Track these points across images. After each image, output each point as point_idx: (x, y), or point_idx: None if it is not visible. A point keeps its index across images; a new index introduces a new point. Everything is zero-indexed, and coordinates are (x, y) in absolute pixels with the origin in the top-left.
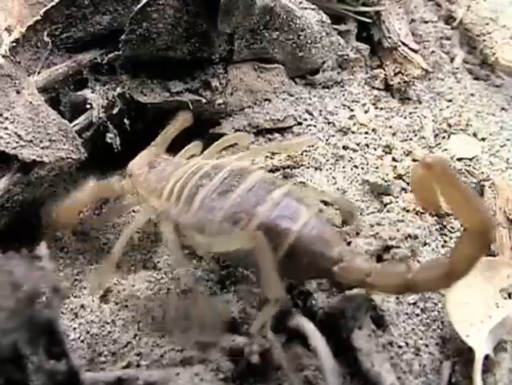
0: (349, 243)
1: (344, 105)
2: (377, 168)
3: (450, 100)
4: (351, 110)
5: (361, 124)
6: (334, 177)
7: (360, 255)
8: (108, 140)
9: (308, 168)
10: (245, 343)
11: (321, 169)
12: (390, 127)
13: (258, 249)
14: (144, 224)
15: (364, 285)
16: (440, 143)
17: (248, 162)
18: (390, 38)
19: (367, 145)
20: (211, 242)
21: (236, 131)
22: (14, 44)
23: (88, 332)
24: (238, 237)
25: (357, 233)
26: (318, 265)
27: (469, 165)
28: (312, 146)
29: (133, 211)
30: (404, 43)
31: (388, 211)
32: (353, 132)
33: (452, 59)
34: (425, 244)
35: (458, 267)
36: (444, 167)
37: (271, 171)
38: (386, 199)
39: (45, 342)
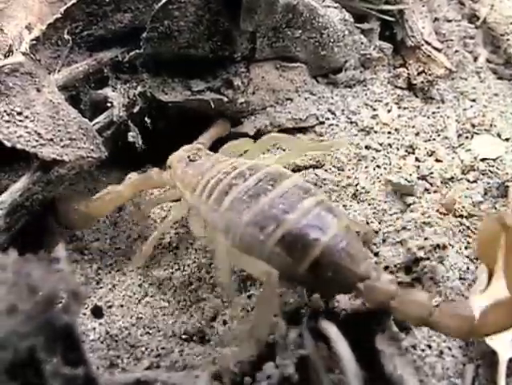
0: (376, 253)
1: (367, 104)
2: (400, 168)
3: (474, 100)
4: (374, 109)
5: (384, 124)
6: (356, 177)
7: (387, 275)
8: (130, 139)
9: (331, 168)
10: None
11: (343, 169)
12: (413, 126)
13: (265, 287)
14: (179, 218)
15: (387, 307)
16: (463, 144)
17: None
18: (413, 36)
19: (389, 145)
20: (231, 252)
21: (258, 130)
22: (35, 42)
23: (108, 333)
24: (255, 264)
25: (383, 240)
26: (344, 280)
27: (493, 166)
28: None
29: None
30: (427, 42)
31: (411, 211)
32: (376, 132)
33: (475, 58)
34: (449, 245)
35: (485, 329)
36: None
37: (294, 171)
38: (409, 199)
39: (62, 347)
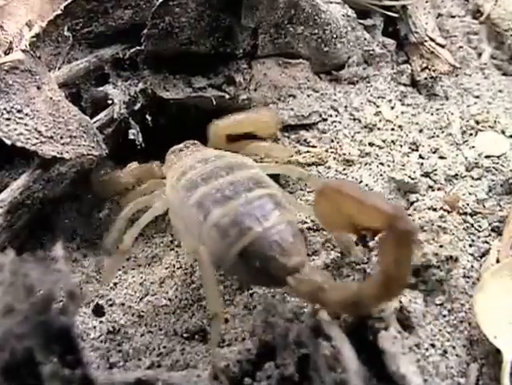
0: None
1: (370, 101)
2: (403, 165)
3: (478, 96)
4: (377, 106)
5: (387, 121)
6: (359, 174)
7: (318, 270)
8: (131, 137)
9: (333, 165)
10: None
11: (346, 166)
12: (416, 123)
13: (200, 264)
14: (162, 210)
15: (316, 301)
16: (467, 141)
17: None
18: (417, 32)
19: (393, 142)
20: (176, 230)
21: None
22: (35, 39)
23: (109, 331)
24: (188, 244)
25: None
26: (271, 271)
27: (497, 163)
28: (338, 142)
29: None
30: (430, 38)
31: (414, 209)
32: (379, 129)
33: (479, 55)
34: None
35: (390, 279)
36: (331, 187)
37: None
38: (412, 197)
39: (60, 348)
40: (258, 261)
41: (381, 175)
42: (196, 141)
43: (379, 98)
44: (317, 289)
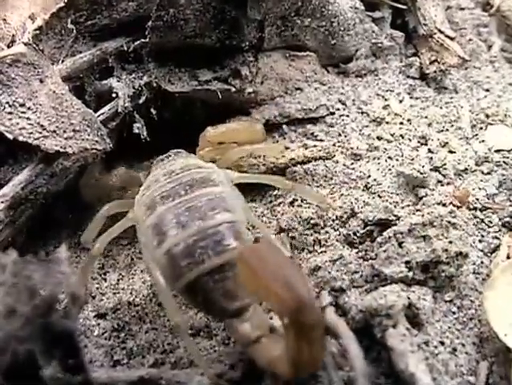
0: (401, 244)
1: (378, 94)
2: (412, 159)
3: (488, 90)
4: (386, 99)
5: (396, 114)
6: (368, 169)
7: (260, 316)
8: (136, 130)
9: (341, 159)
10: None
11: (354, 161)
12: (425, 117)
13: (153, 282)
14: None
15: (246, 350)
16: (477, 134)
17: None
18: (426, 25)
19: (401, 136)
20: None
21: (267, 120)
22: (38, 32)
23: (113, 329)
24: (145, 259)
25: (409, 231)
26: (212, 311)
27: (508, 157)
28: (345, 136)
29: None
30: (440, 31)
31: (423, 204)
32: (387, 123)
33: (489, 47)
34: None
35: (296, 363)
36: (245, 257)
37: (303, 162)
38: (421, 192)
39: (61, 352)
40: (201, 298)
41: (390, 169)
42: (181, 150)
43: (387, 91)
44: (248, 342)
